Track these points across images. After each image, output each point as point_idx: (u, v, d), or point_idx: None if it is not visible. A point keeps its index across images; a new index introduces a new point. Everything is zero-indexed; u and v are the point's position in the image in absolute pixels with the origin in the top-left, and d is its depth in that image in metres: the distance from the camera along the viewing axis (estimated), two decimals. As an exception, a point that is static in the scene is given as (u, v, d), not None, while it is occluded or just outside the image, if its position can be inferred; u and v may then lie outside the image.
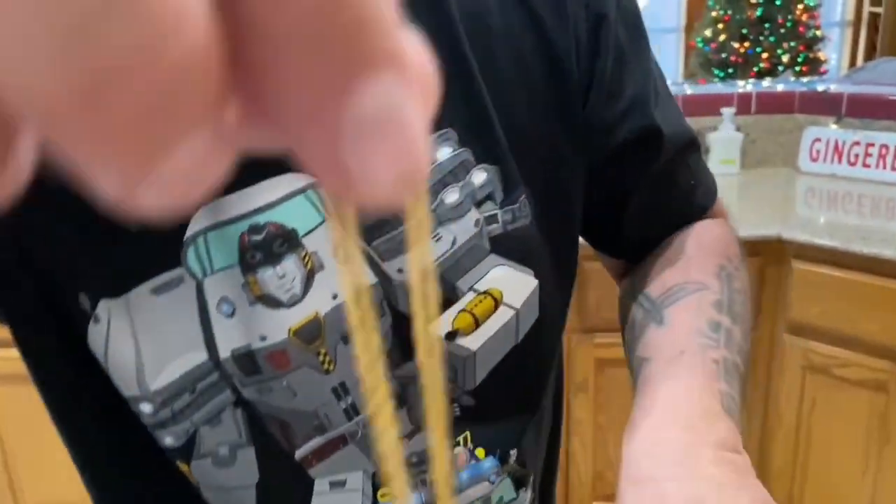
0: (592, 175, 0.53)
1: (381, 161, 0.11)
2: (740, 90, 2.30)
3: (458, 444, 0.49)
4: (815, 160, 2.16)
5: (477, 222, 0.47)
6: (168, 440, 0.44)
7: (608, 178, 0.53)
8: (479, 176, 0.46)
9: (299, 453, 0.46)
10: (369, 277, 0.44)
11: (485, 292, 0.47)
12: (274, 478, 0.46)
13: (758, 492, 0.37)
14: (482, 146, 0.46)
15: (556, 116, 0.49)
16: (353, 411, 0.46)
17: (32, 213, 0.37)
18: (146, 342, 0.42)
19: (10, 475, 1.91)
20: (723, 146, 2.23)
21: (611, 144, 0.52)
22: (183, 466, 0.46)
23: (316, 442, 0.46)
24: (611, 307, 1.87)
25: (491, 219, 0.47)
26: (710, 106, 2.28)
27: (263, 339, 0.43)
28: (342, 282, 0.15)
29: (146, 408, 0.43)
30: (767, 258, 1.71)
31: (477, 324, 0.47)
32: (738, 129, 2.24)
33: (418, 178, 0.12)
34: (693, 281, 0.51)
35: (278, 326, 0.43)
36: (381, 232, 0.44)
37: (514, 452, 0.52)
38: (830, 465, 1.74)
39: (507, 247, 0.48)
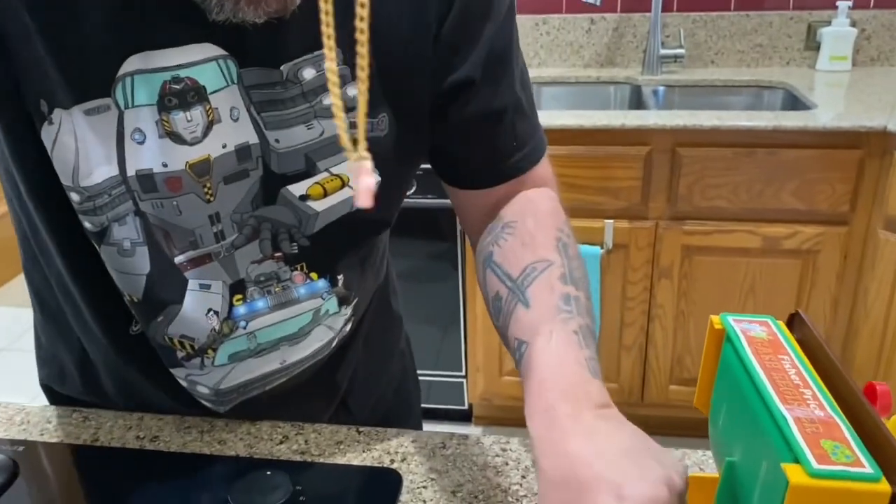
0: (438, 109, 0.63)
1: None
2: (860, -17, 2.18)
3: (296, 269, 0.63)
4: (934, 58, 2.05)
5: None
6: (87, 224, 0.57)
7: (450, 113, 0.64)
8: (352, 90, 0.58)
9: (178, 259, 0.59)
10: (254, 137, 0.56)
11: (336, 175, 0.60)
12: (159, 272, 0.59)
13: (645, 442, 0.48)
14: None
15: (420, 55, 0.60)
16: (220, 236, 0.59)
17: (19, 21, 0.49)
18: (82, 150, 0.53)
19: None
20: (834, 42, 2.14)
21: (462, 88, 0.63)
22: (96, 247, 0.59)
23: (190, 254, 0.59)
24: (702, 195, 1.89)
25: (353, 125, 0.57)
26: (825, -1, 2.18)
27: (165, 165, 0.55)
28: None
29: (75, 197, 0.55)
30: (869, 150, 1.67)
31: (325, 194, 0.60)
32: (854, 24, 2.14)
33: None
34: (540, 259, 0.60)
35: (179, 158, 0.55)
36: (271, 108, 0.56)
37: (340, 277, 0.66)
38: (915, 364, 1.73)
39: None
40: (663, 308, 1.91)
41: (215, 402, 0.68)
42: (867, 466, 0.40)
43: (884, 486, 0.39)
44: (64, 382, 0.77)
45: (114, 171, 0.54)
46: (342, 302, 0.67)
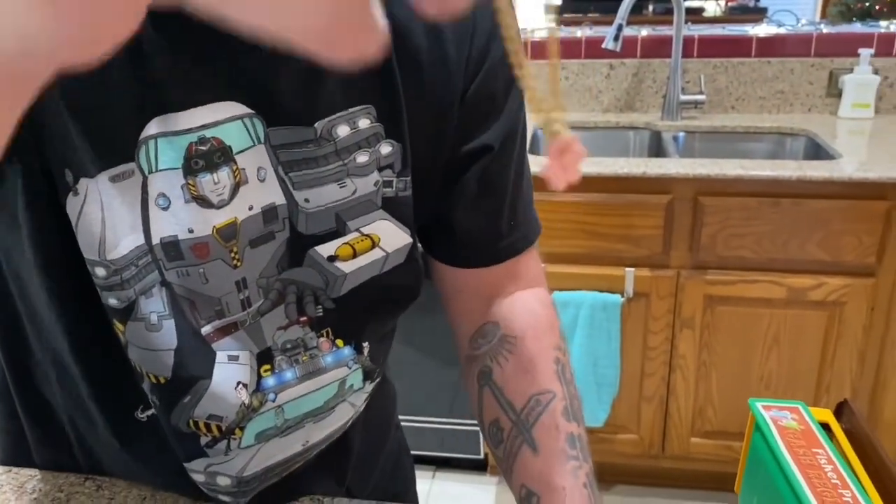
0: (448, 174, 0.62)
1: None
2: (882, 30, 2.18)
3: (322, 335, 0.61)
4: (959, 106, 2.04)
5: (376, 183, 0.58)
6: (112, 301, 0.54)
7: (459, 180, 0.63)
8: (385, 148, 0.57)
9: (204, 329, 0.56)
10: (281, 198, 0.54)
11: (367, 235, 0.58)
12: (187, 346, 0.56)
13: None
14: (392, 126, 0.57)
15: (446, 117, 0.60)
16: (247, 303, 0.56)
17: (46, 94, 0.46)
18: (109, 220, 0.51)
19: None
20: (857, 89, 2.13)
21: (463, 152, 0.62)
22: (119, 326, 0.55)
23: (216, 323, 0.56)
24: (725, 245, 1.86)
25: (388, 183, 0.58)
26: (847, 46, 2.17)
27: (191, 231, 0.52)
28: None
29: (100, 272, 0.52)
30: (895, 201, 1.64)
31: (355, 255, 0.59)
32: (876, 72, 2.13)
33: None
34: (543, 391, 0.62)
35: (206, 223, 0.52)
36: (302, 167, 0.54)
37: (366, 346, 0.64)
38: (946, 419, 1.69)
39: (395, 208, 0.59)
40: (685, 359, 1.88)
41: (236, 493, 0.65)
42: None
43: None
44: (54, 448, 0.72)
45: (139, 240, 0.52)
46: (367, 377, 0.65)
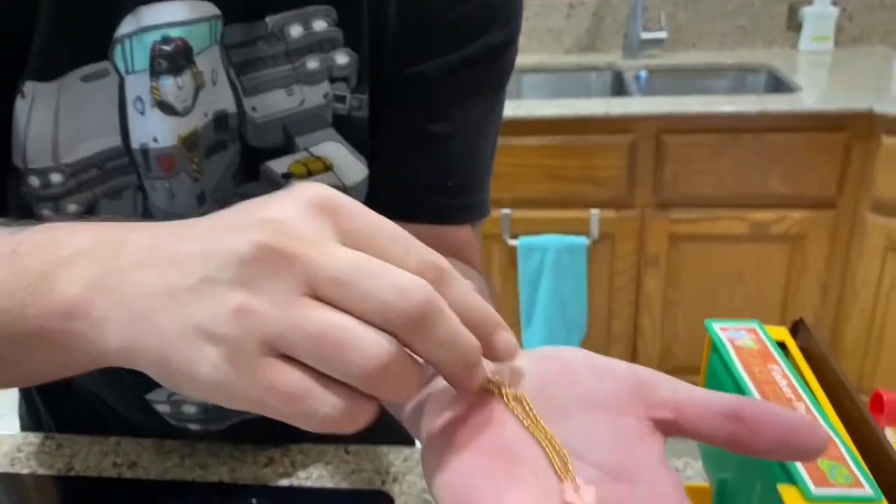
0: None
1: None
2: (840, -39, 2.17)
3: None
4: (916, 36, 2.04)
5: (326, 95, 0.53)
6: (71, 207, 0.51)
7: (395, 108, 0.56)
8: (342, 57, 0.52)
9: None
10: (231, 105, 0.51)
11: (318, 157, 0.53)
12: None
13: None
14: (353, 35, 0.52)
15: (406, 28, 0.53)
16: None
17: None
18: (66, 121, 0.48)
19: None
20: (816, 21, 2.13)
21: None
22: None
23: None
24: (687, 182, 1.86)
25: (340, 98, 0.53)
26: (806, -22, 2.16)
27: (156, 140, 0.49)
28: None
29: (56, 178, 0.49)
30: (855, 133, 1.66)
31: (309, 174, 0.54)
32: (835, 3, 2.13)
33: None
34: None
35: (170, 132, 0.49)
36: (251, 69, 0.50)
37: None
38: (905, 345, 1.73)
39: (347, 129, 0.54)
40: (651, 297, 1.90)
41: (204, 420, 0.64)
42: (867, 487, 0.39)
43: (885, 509, 0.38)
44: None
45: (112, 142, 0.49)
46: None
